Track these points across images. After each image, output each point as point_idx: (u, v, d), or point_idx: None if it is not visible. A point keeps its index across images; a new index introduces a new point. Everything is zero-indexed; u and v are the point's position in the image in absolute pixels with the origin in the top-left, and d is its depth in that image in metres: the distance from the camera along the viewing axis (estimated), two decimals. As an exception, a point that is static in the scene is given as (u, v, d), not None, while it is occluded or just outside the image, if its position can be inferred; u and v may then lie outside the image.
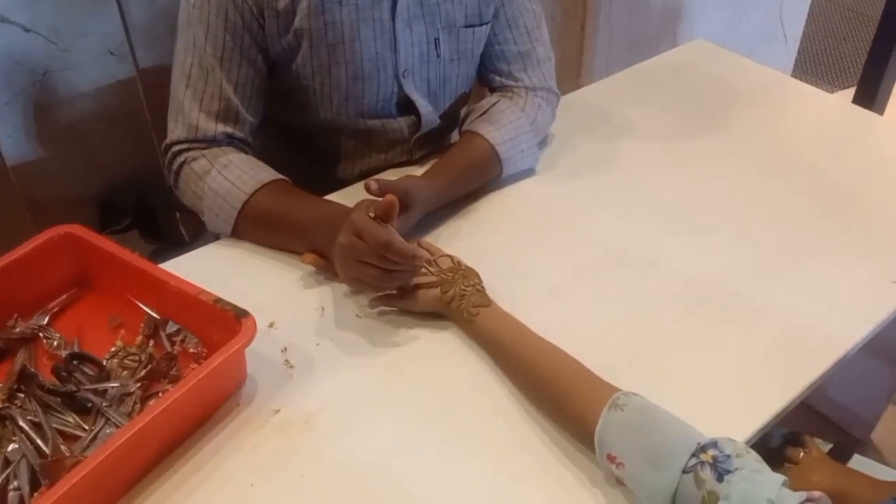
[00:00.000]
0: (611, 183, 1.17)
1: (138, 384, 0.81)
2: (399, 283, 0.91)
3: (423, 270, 0.93)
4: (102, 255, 0.89)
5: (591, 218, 1.10)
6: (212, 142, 1.02)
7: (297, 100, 1.09)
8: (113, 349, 0.86)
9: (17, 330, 0.87)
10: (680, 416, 0.73)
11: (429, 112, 1.15)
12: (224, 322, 0.81)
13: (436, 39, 1.10)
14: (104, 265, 0.90)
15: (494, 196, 1.13)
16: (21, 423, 0.77)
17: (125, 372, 0.83)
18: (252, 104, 1.05)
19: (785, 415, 0.86)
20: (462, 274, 0.92)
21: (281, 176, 1.02)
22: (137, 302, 0.90)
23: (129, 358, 0.84)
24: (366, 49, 1.05)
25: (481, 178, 1.12)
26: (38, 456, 0.74)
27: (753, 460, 0.67)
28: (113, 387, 0.81)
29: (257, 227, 1.00)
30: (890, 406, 1.57)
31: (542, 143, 1.21)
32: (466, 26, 1.12)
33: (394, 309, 0.94)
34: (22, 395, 0.80)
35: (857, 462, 1.15)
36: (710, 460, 0.66)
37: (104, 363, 0.84)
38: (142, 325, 0.88)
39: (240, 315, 0.81)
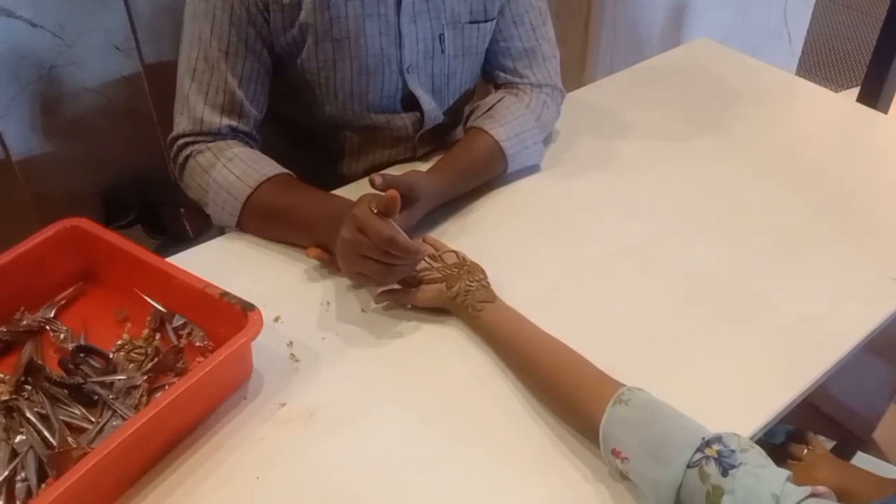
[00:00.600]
0: (615, 180, 1.17)
1: (145, 377, 0.81)
2: (400, 278, 0.91)
3: (428, 266, 0.93)
4: (109, 249, 0.90)
5: (596, 215, 1.10)
6: (217, 135, 1.02)
7: (302, 95, 1.10)
8: (119, 342, 0.86)
9: (24, 323, 0.87)
10: (683, 412, 0.73)
11: (433, 108, 1.15)
12: (230, 315, 0.81)
13: (440, 35, 1.10)
14: (111, 259, 0.91)
15: (499, 192, 1.13)
16: (28, 414, 0.77)
17: (132, 365, 0.84)
18: (257, 98, 1.05)
19: (787, 413, 0.86)
20: (467, 269, 0.92)
21: (285, 170, 1.02)
22: (144, 295, 0.90)
23: (136, 351, 0.85)
24: (370, 44, 1.05)
25: (486, 174, 1.12)
26: (45, 447, 0.74)
27: (758, 455, 0.67)
28: (120, 379, 0.81)
29: (262, 220, 1.00)
30: (892, 405, 1.57)
31: (547, 141, 1.21)
32: (471, 22, 1.12)
33: (399, 304, 0.94)
34: (29, 388, 0.80)
35: (861, 460, 1.15)
36: (715, 455, 0.66)
37: (111, 356, 0.84)
38: (148, 318, 0.88)
39: (246, 308, 0.81)
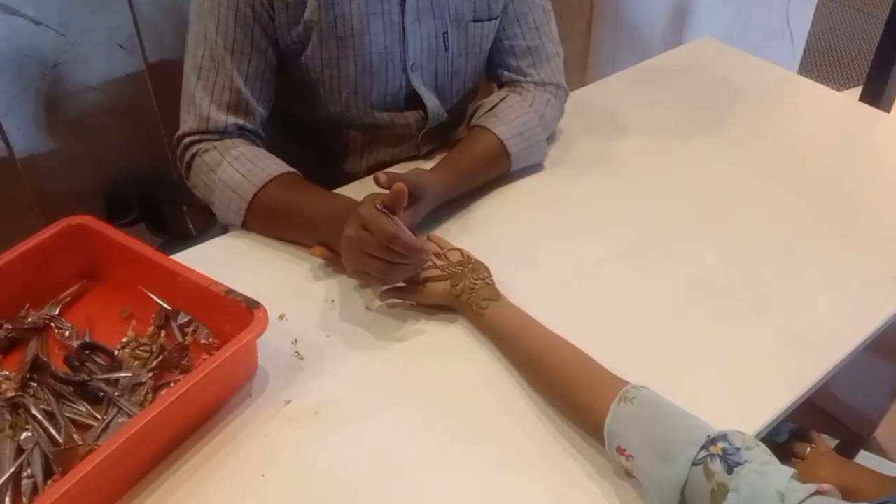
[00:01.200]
0: (618, 179, 1.17)
1: (150, 374, 0.81)
2: (404, 277, 0.91)
3: (433, 264, 0.93)
4: (114, 246, 0.90)
5: (599, 213, 1.10)
6: (223, 133, 1.02)
7: (307, 93, 1.10)
8: (124, 339, 0.86)
9: (29, 320, 0.87)
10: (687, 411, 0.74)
11: (436, 106, 1.15)
12: (235, 313, 0.81)
13: (444, 34, 1.11)
14: (115, 256, 0.91)
15: (503, 190, 1.14)
16: (34, 411, 0.77)
17: (137, 362, 0.84)
18: (262, 96, 1.05)
19: (790, 411, 0.86)
20: (471, 267, 0.92)
21: (291, 168, 1.02)
22: (148, 293, 0.90)
23: (141, 348, 0.85)
24: (374, 42, 1.05)
25: (490, 172, 1.12)
26: (51, 444, 0.75)
27: (763, 453, 0.67)
28: (125, 376, 0.81)
29: (267, 219, 1.00)
30: (894, 404, 1.57)
31: (550, 139, 1.21)
32: (475, 21, 1.12)
33: (403, 302, 0.94)
34: (35, 384, 0.80)
35: (863, 458, 1.15)
36: (720, 453, 0.66)
37: (116, 353, 0.84)
38: (153, 315, 0.89)
39: (251, 306, 0.81)
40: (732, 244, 1.06)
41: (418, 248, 0.86)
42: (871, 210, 1.13)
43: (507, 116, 1.12)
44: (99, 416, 0.78)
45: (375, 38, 1.05)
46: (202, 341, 0.86)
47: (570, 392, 0.79)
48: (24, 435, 0.75)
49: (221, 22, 0.99)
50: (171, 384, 0.81)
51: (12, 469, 0.72)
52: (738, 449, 0.67)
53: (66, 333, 0.87)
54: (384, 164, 1.17)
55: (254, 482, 0.75)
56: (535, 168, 1.17)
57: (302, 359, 0.87)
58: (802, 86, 1.45)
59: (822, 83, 1.46)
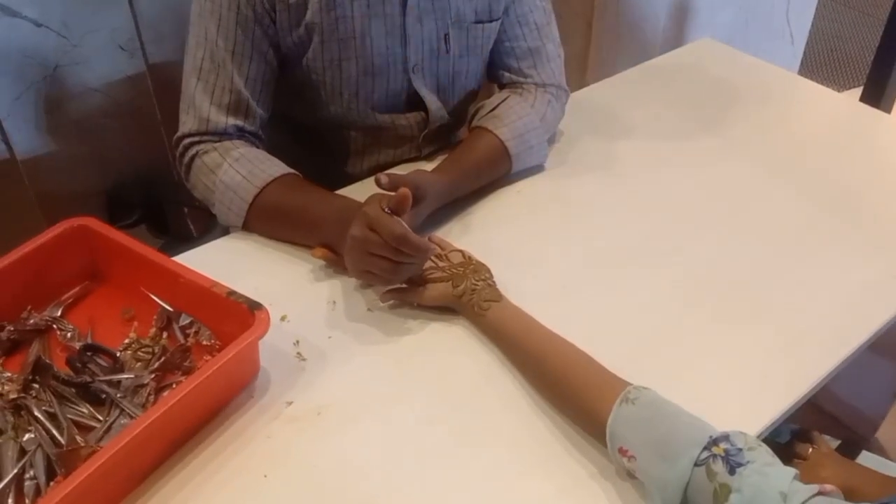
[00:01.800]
0: (619, 180, 1.17)
1: (152, 375, 0.81)
2: (408, 276, 0.91)
3: (434, 265, 0.93)
4: (116, 248, 0.90)
5: (600, 214, 1.11)
6: (223, 135, 1.02)
7: (308, 95, 1.10)
8: (126, 341, 0.86)
9: (31, 321, 0.87)
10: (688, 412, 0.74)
11: (437, 108, 1.16)
12: (237, 314, 0.81)
13: (445, 35, 1.11)
14: (117, 257, 0.91)
15: (504, 192, 1.14)
16: (36, 413, 0.77)
17: (139, 363, 0.84)
18: (263, 98, 1.05)
19: (792, 412, 0.86)
20: (473, 268, 0.93)
21: (292, 170, 1.02)
22: (151, 294, 0.90)
23: (143, 350, 0.85)
24: (376, 44, 1.06)
25: (491, 173, 1.12)
26: (53, 446, 0.75)
27: (765, 454, 0.67)
28: (127, 378, 0.81)
29: (268, 220, 1.00)
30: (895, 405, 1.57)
31: (551, 140, 1.21)
32: (476, 22, 1.12)
33: (405, 303, 0.94)
34: (37, 386, 0.80)
35: (865, 458, 1.15)
36: (722, 453, 0.66)
37: (118, 355, 0.84)
38: (155, 317, 0.89)
39: (253, 307, 0.81)
40: (734, 245, 1.06)
41: (424, 247, 0.87)
42: (872, 210, 1.13)
43: (508, 118, 1.12)
44: (101, 418, 0.78)
45: (377, 40, 1.05)
46: (204, 343, 0.86)
47: (572, 393, 0.80)
48: (26, 436, 0.75)
49: (222, 23, 0.99)
50: (174, 386, 0.81)
51: (15, 471, 0.72)
52: (741, 449, 0.67)
53: (68, 335, 0.87)
54: (385, 166, 1.17)
55: (256, 483, 0.75)
56: (536, 169, 1.17)
57: (304, 360, 0.87)
58: (803, 86, 1.45)
59: (822, 84, 1.46)
